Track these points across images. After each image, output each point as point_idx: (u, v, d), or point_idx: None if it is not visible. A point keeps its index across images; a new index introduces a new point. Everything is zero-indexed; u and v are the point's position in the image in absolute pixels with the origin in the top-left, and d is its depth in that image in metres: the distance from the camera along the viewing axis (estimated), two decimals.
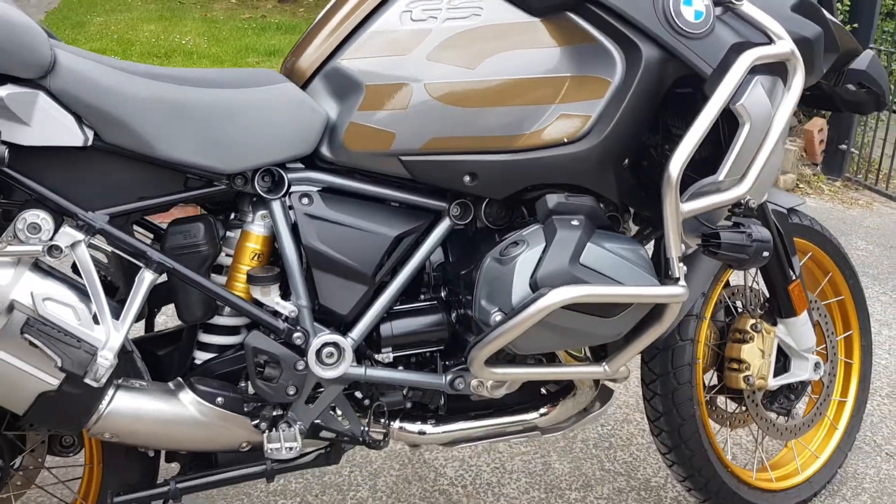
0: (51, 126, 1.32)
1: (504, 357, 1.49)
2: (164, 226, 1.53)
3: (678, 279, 1.43)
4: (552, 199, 1.44)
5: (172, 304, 1.53)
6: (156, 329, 1.68)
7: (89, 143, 1.36)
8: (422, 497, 2.07)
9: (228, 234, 1.57)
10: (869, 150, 5.98)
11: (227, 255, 1.56)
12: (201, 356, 1.56)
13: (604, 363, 1.54)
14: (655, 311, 1.47)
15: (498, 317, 1.39)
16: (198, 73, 1.48)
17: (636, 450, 2.31)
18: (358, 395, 1.62)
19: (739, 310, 1.93)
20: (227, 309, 1.55)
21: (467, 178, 1.50)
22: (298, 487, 2.08)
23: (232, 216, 1.58)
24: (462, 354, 1.62)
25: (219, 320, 1.55)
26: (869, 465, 2.30)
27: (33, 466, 1.59)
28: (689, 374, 1.81)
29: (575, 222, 1.41)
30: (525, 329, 1.35)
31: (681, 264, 1.43)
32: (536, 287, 1.36)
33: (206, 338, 1.57)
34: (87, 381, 1.28)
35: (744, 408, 1.99)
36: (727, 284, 1.96)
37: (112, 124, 1.36)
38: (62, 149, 1.35)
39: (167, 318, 1.95)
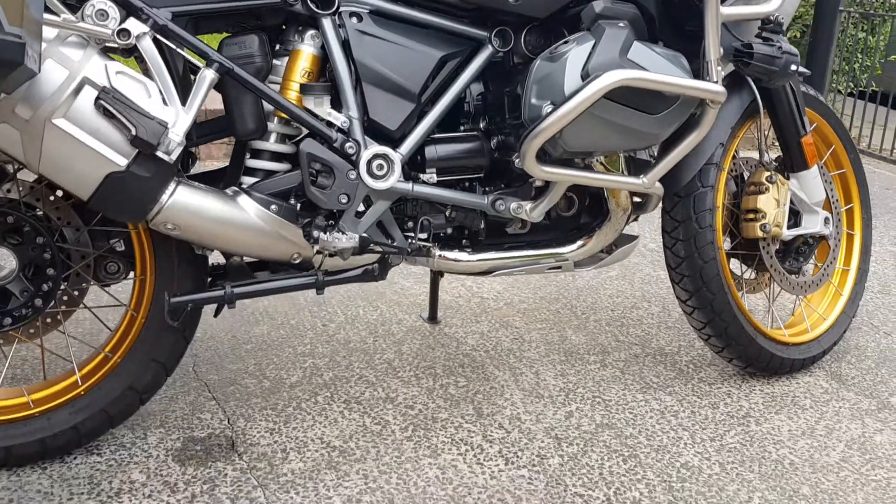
0: None
1: (552, 160, 1.55)
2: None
3: (717, 82, 1.50)
4: (599, 5, 1.51)
5: None
6: None
7: None
8: (446, 359, 2.12)
9: (275, 62, 1.61)
10: None
11: (274, 82, 1.60)
12: (248, 180, 1.59)
13: (642, 175, 1.61)
14: (692, 120, 1.55)
15: (549, 108, 1.45)
16: None
17: (647, 327, 2.39)
18: (404, 219, 1.67)
19: (749, 173, 2.02)
20: (274, 135, 1.60)
21: None
22: (326, 350, 2.12)
23: (277, 47, 1.63)
24: (501, 181, 1.69)
25: (266, 145, 1.60)
26: (869, 341, 2.40)
27: (78, 292, 1.60)
28: (710, 218, 1.89)
29: (621, 24, 1.48)
30: (578, 115, 1.42)
31: (719, 68, 1.51)
32: (587, 76, 1.43)
33: (253, 163, 1.61)
34: (159, 153, 1.32)
35: (755, 272, 2.09)
36: (735, 157, 2.05)
37: None
38: None
39: None
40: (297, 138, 1.62)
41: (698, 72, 1.61)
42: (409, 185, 1.59)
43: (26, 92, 1.26)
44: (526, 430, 1.81)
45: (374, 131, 1.58)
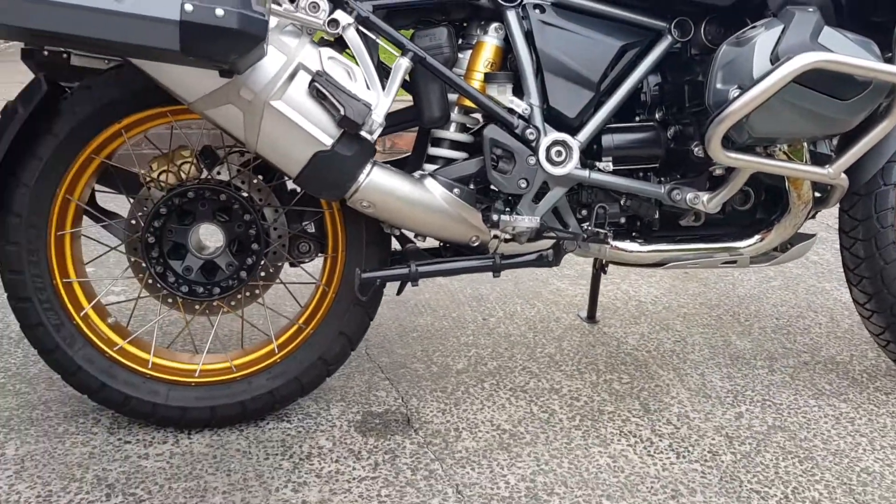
0: None
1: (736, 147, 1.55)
2: None
3: None
4: None
5: None
6: None
7: None
8: (608, 356, 2.12)
9: (459, 55, 1.69)
10: None
11: (458, 74, 1.68)
12: (429, 168, 1.67)
13: (828, 166, 1.58)
14: (878, 111, 1.51)
15: (737, 92, 1.45)
16: None
17: (815, 336, 2.31)
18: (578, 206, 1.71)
19: None
20: (455, 125, 1.68)
21: None
22: (488, 342, 2.17)
23: (459, 41, 1.71)
24: (676, 172, 1.70)
25: (447, 134, 1.68)
26: None
27: (273, 269, 1.72)
28: (892, 217, 1.82)
29: (811, 9, 1.47)
30: (766, 98, 1.41)
31: None
32: (777, 60, 1.42)
33: (434, 151, 1.69)
34: (362, 133, 1.42)
35: None
36: None
37: None
38: None
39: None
40: (476, 128, 1.70)
41: (888, 62, 1.57)
42: (585, 173, 1.63)
43: (250, 76, 1.39)
44: (695, 427, 1.79)
45: (554, 119, 1.63)
